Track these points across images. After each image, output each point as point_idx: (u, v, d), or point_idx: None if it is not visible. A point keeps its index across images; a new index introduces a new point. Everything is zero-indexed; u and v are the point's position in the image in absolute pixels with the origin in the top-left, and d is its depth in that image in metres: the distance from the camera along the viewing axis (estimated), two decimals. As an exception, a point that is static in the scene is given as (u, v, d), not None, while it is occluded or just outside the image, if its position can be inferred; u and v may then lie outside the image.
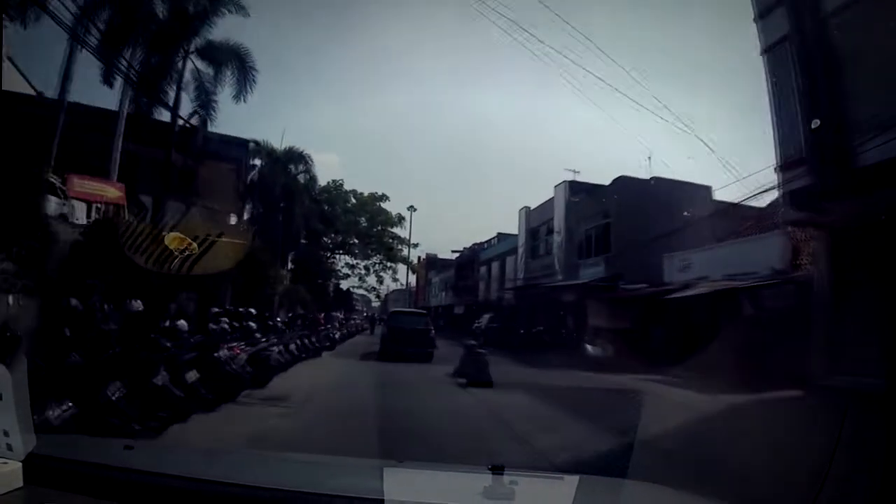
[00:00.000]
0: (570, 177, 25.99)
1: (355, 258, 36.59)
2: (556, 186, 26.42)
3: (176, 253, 10.28)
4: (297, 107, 63.37)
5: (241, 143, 14.58)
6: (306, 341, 14.19)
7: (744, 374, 9.88)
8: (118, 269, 8.58)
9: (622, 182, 21.78)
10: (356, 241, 34.33)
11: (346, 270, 37.41)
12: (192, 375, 6.26)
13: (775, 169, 13.41)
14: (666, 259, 18.45)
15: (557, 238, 25.48)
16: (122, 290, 8.07)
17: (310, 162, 25.94)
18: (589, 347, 15.97)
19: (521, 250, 30.05)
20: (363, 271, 37.02)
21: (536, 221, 28.89)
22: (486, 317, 27.84)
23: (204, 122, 15.33)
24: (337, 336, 21.37)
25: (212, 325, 9.53)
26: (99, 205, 10.54)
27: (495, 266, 34.97)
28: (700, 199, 19.76)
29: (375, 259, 36.35)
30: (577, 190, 25.16)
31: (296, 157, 25.10)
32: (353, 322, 36.53)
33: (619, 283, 19.55)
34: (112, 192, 10.47)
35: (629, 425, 5.64)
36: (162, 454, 2.16)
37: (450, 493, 1.68)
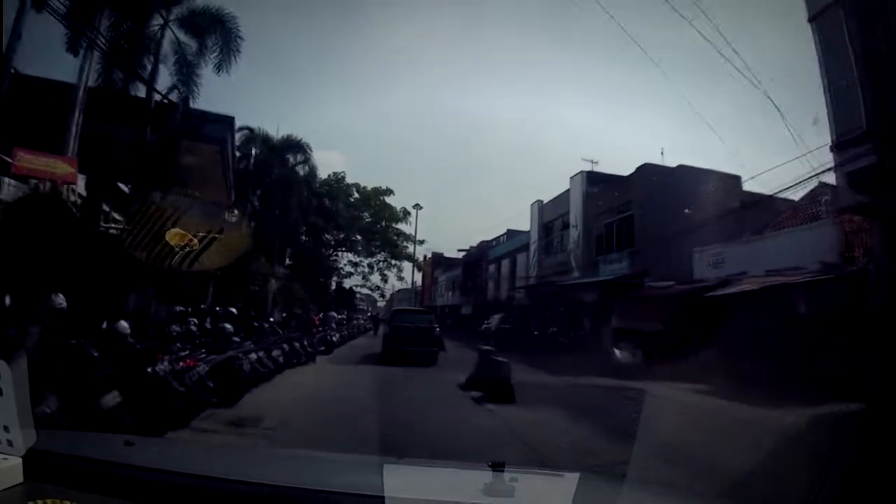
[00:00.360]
0: (587, 167, 24.24)
1: (358, 255, 34.97)
2: (571, 178, 24.62)
3: (135, 238, 8.65)
4: (303, 106, 62.21)
5: (225, 121, 12.90)
6: (297, 345, 12.52)
7: (799, 384, 8.61)
8: (47, 257, 6.94)
9: (646, 170, 19.96)
10: (359, 237, 32.65)
11: (348, 268, 35.80)
12: (112, 399, 4.58)
13: (830, 148, 11.71)
14: (696, 254, 16.69)
15: (574, 233, 23.68)
16: (57, 282, 6.48)
17: (309, 151, 24.37)
18: (617, 352, 14.19)
19: (533, 247, 28.29)
20: (367, 269, 35.39)
21: (550, 216, 27.11)
22: (497, 317, 26.13)
23: (185, 100, 13.70)
24: (336, 338, 19.73)
25: (174, 328, 7.89)
26: (44, 182, 8.91)
27: (505, 264, 33.22)
28: (729, 189, 17.98)
29: (379, 256, 34.69)
30: (595, 180, 23.35)
31: (293, 145, 23.49)
32: (355, 322, 34.98)
33: (645, 280, 17.77)
34: (63, 167, 8.82)
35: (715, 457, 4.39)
36: (162, 450, 2.15)
37: (450, 490, 1.64)
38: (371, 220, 31.75)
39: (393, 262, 34.64)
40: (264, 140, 22.31)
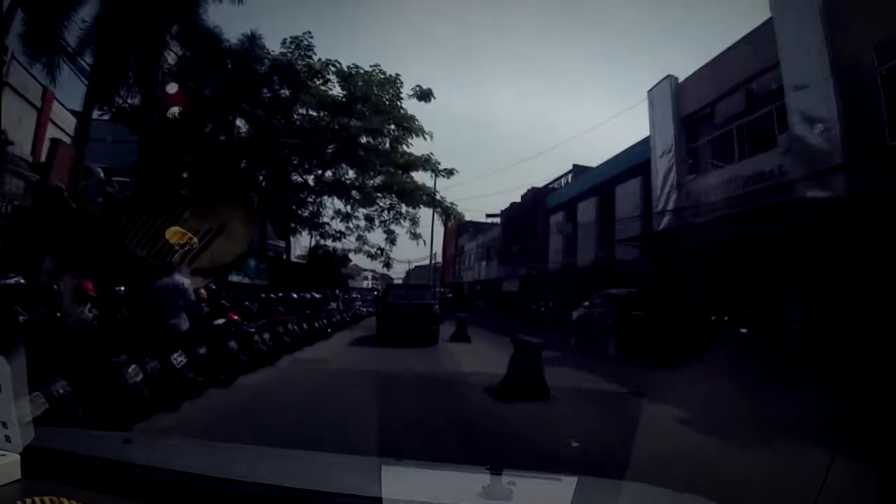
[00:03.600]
0: None
1: (350, 204, 22.33)
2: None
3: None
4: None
5: None
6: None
7: None
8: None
9: None
10: (345, 164, 19.91)
11: (337, 225, 23.14)
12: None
13: None
14: None
15: (799, 111, 10.70)
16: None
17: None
18: None
19: (661, 161, 15.33)
20: (363, 224, 22.71)
21: (703, 96, 14.12)
22: (600, 300, 13.11)
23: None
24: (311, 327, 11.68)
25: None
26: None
27: (587, 208, 20.28)
28: None
29: (383, 203, 21.97)
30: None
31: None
32: (348, 305, 22.85)
33: None
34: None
35: None
36: (160, 448, 2.09)
37: (448, 493, 1.60)
38: (364, 128, 18.44)
39: (404, 209, 21.82)
40: None
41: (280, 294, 12.82)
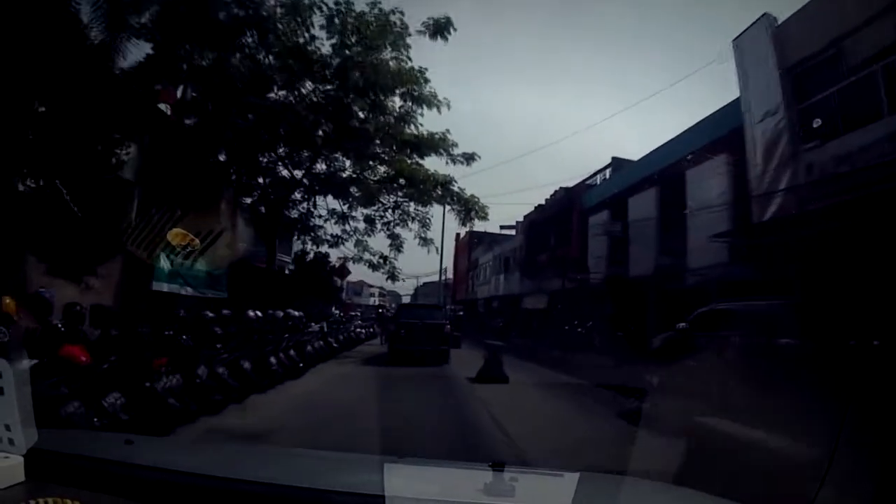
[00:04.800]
0: None
1: (347, 202, 18.42)
2: None
3: None
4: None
5: None
6: None
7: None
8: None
9: None
10: (338, 150, 15.87)
11: (333, 229, 19.19)
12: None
13: None
14: None
15: None
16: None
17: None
18: None
19: (761, 128, 11.18)
20: (363, 227, 18.71)
21: (829, 31, 10.08)
22: (718, 314, 8.60)
23: None
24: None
25: None
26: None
27: (643, 203, 16.08)
28: None
29: (386, 200, 17.99)
30: None
31: None
32: (344, 327, 18.98)
33: None
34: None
35: None
36: (163, 449, 2.10)
37: (450, 490, 1.62)
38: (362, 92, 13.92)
39: (412, 208, 17.78)
40: None
41: (227, 311, 8.79)
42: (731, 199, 11.81)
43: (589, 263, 19.16)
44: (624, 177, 18.51)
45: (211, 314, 8.12)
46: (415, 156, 16.15)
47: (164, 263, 10.29)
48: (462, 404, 8.30)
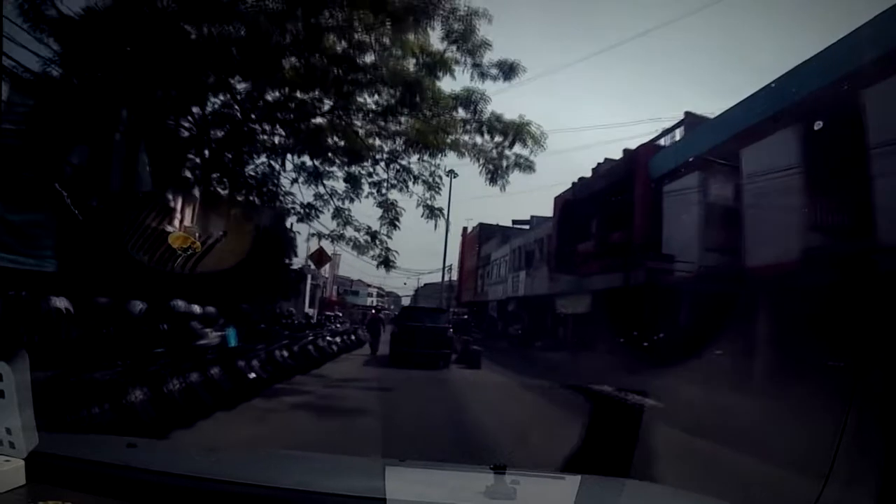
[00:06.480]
0: None
1: (320, 160, 12.95)
2: None
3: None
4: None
5: None
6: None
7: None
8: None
9: None
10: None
11: (304, 195, 13.66)
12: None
13: None
14: None
15: None
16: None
17: None
18: None
19: None
20: (345, 188, 13.23)
21: None
22: None
23: None
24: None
25: None
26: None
27: (769, 153, 10.29)
28: None
29: (380, 147, 12.47)
30: None
31: None
32: (310, 336, 13.43)
33: None
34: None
35: None
36: (164, 452, 2.08)
37: (452, 493, 1.61)
38: None
39: (414, 162, 12.26)
40: None
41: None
42: None
43: (665, 250, 13.51)
44: (732, 118, 12.41)
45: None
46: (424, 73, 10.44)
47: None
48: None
